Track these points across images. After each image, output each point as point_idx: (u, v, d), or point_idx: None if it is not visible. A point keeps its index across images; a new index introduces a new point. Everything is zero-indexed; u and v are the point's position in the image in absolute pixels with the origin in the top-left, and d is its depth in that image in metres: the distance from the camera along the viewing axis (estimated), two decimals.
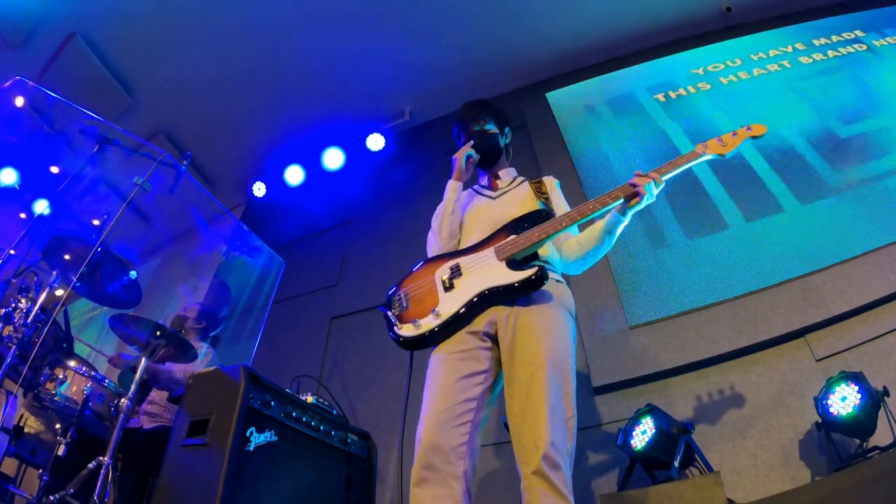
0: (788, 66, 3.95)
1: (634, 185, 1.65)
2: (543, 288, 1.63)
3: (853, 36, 3.99)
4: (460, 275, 1.69)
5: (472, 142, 1.96)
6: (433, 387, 1.56)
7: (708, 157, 1.74)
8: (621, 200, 1.67)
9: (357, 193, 4.88)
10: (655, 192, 1.66)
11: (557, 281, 1.74)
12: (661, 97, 4.10)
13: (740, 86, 3.94)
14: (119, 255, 2.61)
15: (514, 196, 1.92)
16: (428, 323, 1.61)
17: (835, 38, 4.03)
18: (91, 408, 2.22)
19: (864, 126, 3.33)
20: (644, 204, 1.66)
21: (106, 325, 2.62)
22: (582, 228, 1.82)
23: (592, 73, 4.57)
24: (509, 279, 1.60)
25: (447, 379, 1.55)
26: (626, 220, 1.70)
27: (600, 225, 1.73)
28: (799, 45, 4.07)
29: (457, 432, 1.47)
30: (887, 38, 3.88)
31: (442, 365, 1.58)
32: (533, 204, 1.85)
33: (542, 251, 1.75)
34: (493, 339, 1.63)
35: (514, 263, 1.64)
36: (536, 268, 1.59)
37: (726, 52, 4.23)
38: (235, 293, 4.46)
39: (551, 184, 1.99)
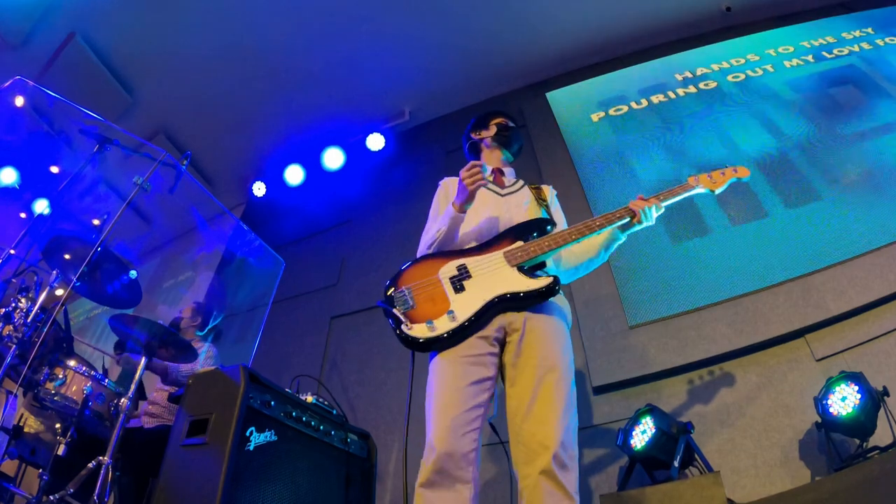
0: (788, 65, 3.95)
1: (635, 208, 1.75)
2: (552, 298, 1.68)
3: (853, 36, 4.00)
4: (469, 276, 1.67)
5: (487, 170, 1.87)
6: (444, 391, 1.54)
7: (700, 189, 1.88)
8: (626, 220, 1.75)
9: (357, 193, 4.88)
10: (655, 216, 1.77)
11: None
12: (661, 97, 4.10)
13: (740, 86, 3.94)
14: (119, 255, 2.60)
15: (519, 198, 1.93)
16: (444, 325, 1.58)
17: (835, 39, 4.04)
18: (91, 408, 2.22)
19: (864, 126, 3.33)
20: (642, 226, 1.77)
21: (106, 324, 2.62)
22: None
23: (592, 73, 4.57)
24: (526, 286, 1.62)
25: (458, 383, 1.53)
26: (623, 239, 1.82)
27: (599, 239, 1.81)
28: (800, 45, 4.07)
29: (468, 438, 1.47)
30: (888, 38, 3.88)
31: (451, 368, 1.56)
32: (536, 211, 1.89)
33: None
34: (501, 343, 1.63)
35: (524, 269, 1.67)
36: (552, 278, 1.63)
37: (726, 52, 4.23)
38: (235, 293, 4.46)
39: (551, 194, 2.04)
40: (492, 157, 2.08)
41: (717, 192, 1.88)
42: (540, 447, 1.43)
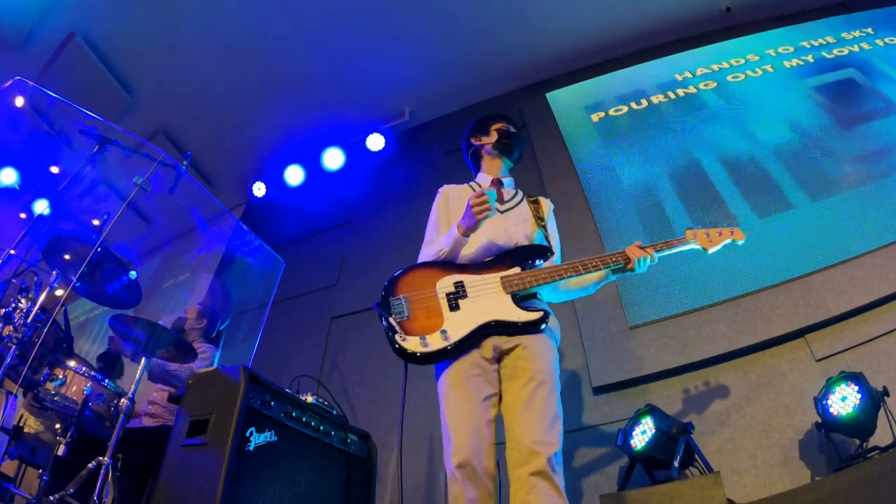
0: (788, 65, 3.95)
1: (631, 256, 1.81)
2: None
3: (853, 36, 4.00)
4: (465, 296, 1.74)
5: (493, 188, 1.92)
6: (461, 407, 1.62)
7: (695, 245, 1.92)
8: (621, 265, 1.82)
9: (357, 193, 4.88)
10: (647, 265, 1.84)
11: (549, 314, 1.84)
12: (660, 97, 4.10)
13: (740, 86, 3.94)
14: (119, 255, 2.60)
15: (518, 215, 1.96)
16: (437, 343, 1.66)
17: (835, 39, 4.04)
18: (91, 408, 2.21)
19: (864, 126, 3.33)
20: (633, 273, 1.84)
21: (106, 324, 2.62)
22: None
23: (592, 73, 4.58)
24: (516, 317, 1.70)
25: (473, 399, 1.62)
26: (614, 279, 1.93)
27: (592, 276, 1.90)
28: (800, 45, 4.07)
29: (489, 452, 1.57)
30: (888, 38, 3.88)
31: (465, 385, 1.64)
32: (534, 230, 1.94)
33: None
34: (497, 360, 1.72)
35: (517, 298, 1.74)
36: (542, 312, 1.72)
37: (726, 52, 4.23)
38: (236, 293, 4.46)
39: (548, 210, 2.07)
40: (492, 166, 2.08)
41: (710, 251, 1.90)
42: (533, 452, 1.50)
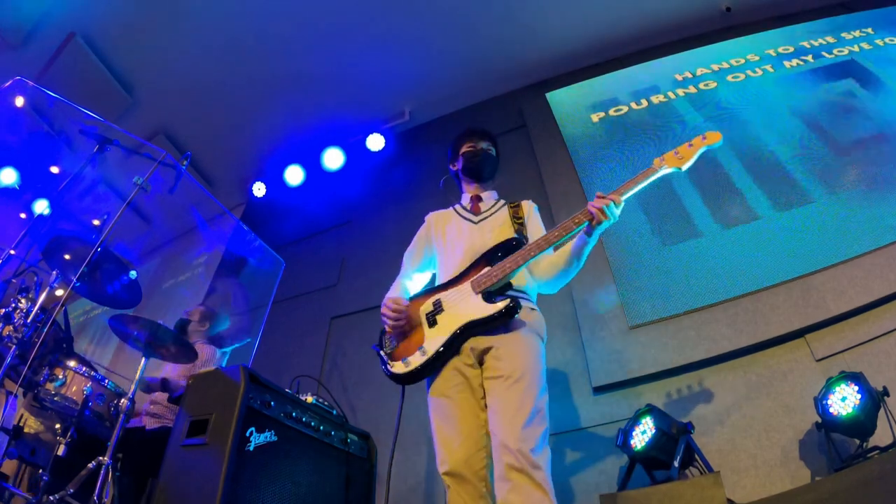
0: (788, 65, 3.95)
1: (593, 209, 1.70)
2: (518, 316, 1.72)
3: (853, 36, 4.00)
4: (442, 310, 1.78)
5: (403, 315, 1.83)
6: (446, 416, 1.67)
7: (667, 170, 1.77)
8: (585, 224, 1.72)
9: (357, 193, 4.88)
10: (617, 212, 1.72)
11: (531, 309, 1.83)
12: (660, 97, 4.10)
13: (740, 87, 3.94)
14: (119, 255, 2.60)
15: (493, 222, 1.98)
16: (416, 360, 1.73)
17: (835, 39, 4.04)
18: (91, 408, 2.22)
19: (864, 125, 3.33)
20: (608, 224, 1.72)
21: (105, 325, 2.62)
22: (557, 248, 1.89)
23: (592, 73, 4.58)
24: (485, 312, 1.70)
25: (457, 407, 1.66)
26: (594, 241, 1.76)
27: (567, 249, 1.81)
28: (800, 45, 4.07)
29: (479, 456, 1.61)
30: (888, 38, 3.88)
31: (448, 393, 1.69)
32: (508, 231, 1.92)
33: (517, 280, 1.82)
34: (480, 363, 1.74)
35: (489, 295, 1.74)
36: (508, 299, 1.70)
37: (726, 52, 4.23)
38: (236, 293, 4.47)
39: (529, 209, 2.06)
40: (469, 188, 2.16)
41: (685, 167, 1.74)
42: (510, 449, 1.51)
